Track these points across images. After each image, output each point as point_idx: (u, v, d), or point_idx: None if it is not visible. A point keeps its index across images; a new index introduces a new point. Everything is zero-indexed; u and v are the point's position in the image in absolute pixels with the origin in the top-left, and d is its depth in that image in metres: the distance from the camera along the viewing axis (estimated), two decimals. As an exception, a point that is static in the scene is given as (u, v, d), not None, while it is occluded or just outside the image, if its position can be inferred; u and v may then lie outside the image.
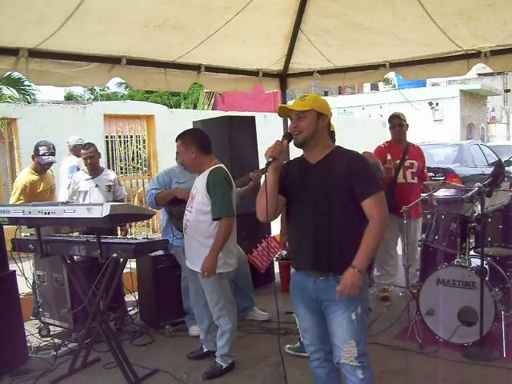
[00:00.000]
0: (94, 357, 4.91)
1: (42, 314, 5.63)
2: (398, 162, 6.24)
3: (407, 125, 6.39)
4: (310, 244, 3.05)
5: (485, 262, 4.87)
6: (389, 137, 6.62)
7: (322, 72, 7.24)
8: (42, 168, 5.98)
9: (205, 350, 4.93)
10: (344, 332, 3.01)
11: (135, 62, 5.69)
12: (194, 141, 4.50)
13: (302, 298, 3.17)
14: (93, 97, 30.24)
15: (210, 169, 4.49)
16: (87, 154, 6.20)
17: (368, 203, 2.95)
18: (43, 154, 5.88)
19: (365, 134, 17.65)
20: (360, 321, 3.02)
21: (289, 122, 3.22)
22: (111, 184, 6.34)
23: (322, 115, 3.08)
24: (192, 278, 4.74)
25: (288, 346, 4.91)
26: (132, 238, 4.49)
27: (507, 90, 39.18)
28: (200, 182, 4.49)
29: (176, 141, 4.65)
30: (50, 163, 5.96)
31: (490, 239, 4.96)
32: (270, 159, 2.97)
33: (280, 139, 3.06)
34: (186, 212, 4.58)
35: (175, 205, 5.38)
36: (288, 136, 3.06)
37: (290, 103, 3.19)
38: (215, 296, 4.50)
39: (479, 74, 35.72)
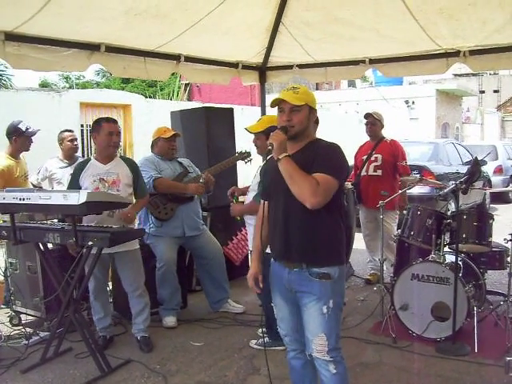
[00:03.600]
0: (67, 346, 4.86)
1: (13, 303, 5.54)
2: (365, 157, 6.78)
3: (382, 124, 6.81)
4: (282, 236, 3.05)
5: (459, 259, 4.91)
6: (364, 134, 6.89)
7: (303, 66, 7.25)
8: (24, 147, 5.83)
9: (108, 336, 5.06)
10: (315, 325, 3.01)
11: (115, 50, 5.62)
12: None
13: (279, 288, 3.17)
14: (68, 85, 29.86)
15: (121, 156, 5.12)
16: (72, 135, 6.23)
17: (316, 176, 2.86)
18: (27, 129, 5.76)
19: (341, 130, 17.71)
20: (332, 315, 3.00)
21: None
22: None
23: (313, 110, 3.07)
24: (100, 266, 4.77)
25: (254, 341, 4.93)
26: (108, 226, 4.43)
27: (482, 91, 39.77)
28: (120, 168, 4.84)
29: (106, 123, 4.81)
30: (36, 132, 5.87)
31: (464, 236, 5.00)
32: (270, 147, 2.94)
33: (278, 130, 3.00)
34: None
35: (150, 195, 5.38)
36: (284, 129, 2.98)
37: (279, 94, 3.10)
38: (141, 270, 5.00)
39: (455, 75, 36.13)
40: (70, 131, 6.30)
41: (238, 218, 5.01)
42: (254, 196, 4.56)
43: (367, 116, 6.78)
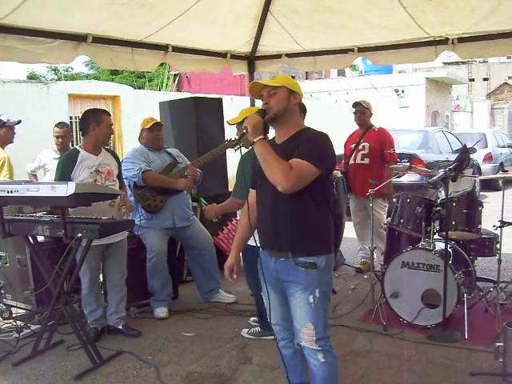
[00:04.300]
0: (58, 339, 4.85)
1: (3, 296, 5.50)
2: (353, 145, 6.80)
3: (370, 112, 6.84)
4: (270, 225, 3.05)
5: (449, 246, 4.93)
6: (354, 123, 6.89)
7: (291, 55, 7.21)
8: (8, 139, 5.80)
9: (99, 328, 5.04)
10: (302, 314, 3.02)
11: (101, 41, 5.56)
12: None
13: (267, 278, 3.16)
14: (56, 77, 29.61)
15: (107, 148, 5.06)
16: (60, 132, 6.24)
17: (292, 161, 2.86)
18: (8, 120, 5.76)
19: (331, 119, 17.69)
20: (318, 304, 3.01)
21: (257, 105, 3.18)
22: None
23: (294, 93, 3.06)
24: (93, 256, 4.76)
25: (246, 330, 4.94)
26: (97, 217, 4.42)
27: (471, 79, 39.84)
28: (109, 159, 4.92)
29: (106, 116, 4.84)
30: (16, 122, 5.87)
31: (454, 223, 5.01)
32: (244, 130, 2.93)
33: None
34: (109, 186, 4.82)
35: (139, 188, 5.36)
36: (261, 112, 2.99)
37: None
38: (125, 261, 5.07)
39: (444, 63, 36.20)
40: (62, 127, 6.32)
41: (215, 220, 5.01)
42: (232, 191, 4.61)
43: (356, 105, 6.80)
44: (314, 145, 2.96)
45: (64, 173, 4.71)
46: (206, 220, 5.32)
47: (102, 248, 4.80)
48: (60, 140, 6.19)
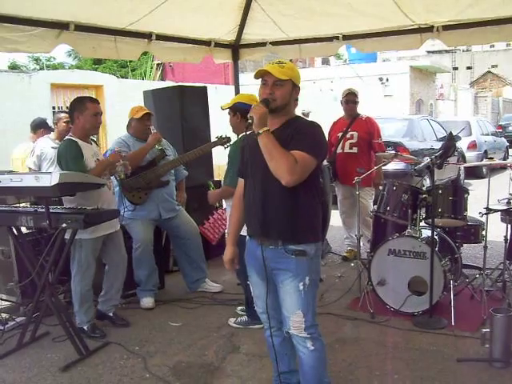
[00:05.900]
0: (44, 331, 4.80)
1: (-13, 288, 5.46)
2: (340, 134, 6.75)
3: (358, 101, 6.83)
4: (259, 213, 3.02)
5: (435, 233, 4.94)
6: (339, 111, 6.84)
7: (276, 43, 7.16)
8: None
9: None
10: (291, 302, 3.01)
11: (84, 29, 5.48)
12: None
13: (254, 266, 3.16)
14: (38, 67, 29.30)
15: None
16: (67, 118, 6.04)
17: (294, 153, 2.85)
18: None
19: (316, 107, 17.68)
20: (308, 292, 3.01)
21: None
22: None
23: (296, 87, 3.05)
24: (98, 248, 4.75)
25: (233, 319, 4.93)
26: (81, 208, 4.36)
27: (455, 68, 40.07)
28: (97, 148, 4.95)
29: (91, 104, 4.69)
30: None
31: (440, 210, 5.02)
32: (250, 120, 2.88)
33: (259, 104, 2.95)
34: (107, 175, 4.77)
35: (127, 177, 5.28)
36: (265, 102, 2.94)
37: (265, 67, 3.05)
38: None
39: (428, 52, 36.33)
40: (67, 113, 6.27)
41: (218, 204, 4.98)
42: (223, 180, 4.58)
43: (349, 94, 6.72)
44: (312, 136, 2.95)
45: (82, 161, 4.49)
46: (190, 209, 5.26)
47: (103, 239, 4.74)
48: (70, 125, 6.14)
